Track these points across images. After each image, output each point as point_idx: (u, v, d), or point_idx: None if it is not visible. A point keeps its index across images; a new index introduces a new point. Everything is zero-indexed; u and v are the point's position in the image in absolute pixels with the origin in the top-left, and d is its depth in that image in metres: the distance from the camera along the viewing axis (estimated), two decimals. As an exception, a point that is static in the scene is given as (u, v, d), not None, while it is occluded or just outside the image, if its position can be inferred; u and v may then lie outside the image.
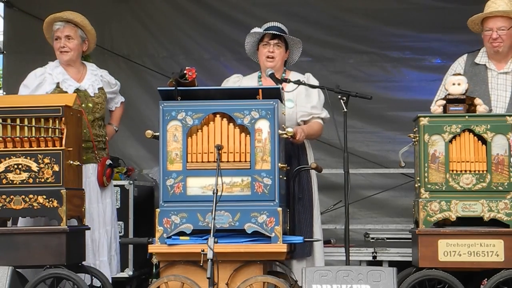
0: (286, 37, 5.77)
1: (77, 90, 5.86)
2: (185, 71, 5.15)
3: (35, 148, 5.33)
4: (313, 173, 5.75)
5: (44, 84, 5.86)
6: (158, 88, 5.23)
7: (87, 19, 6.03)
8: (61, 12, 5.98)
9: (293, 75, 5.77)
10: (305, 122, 5.76)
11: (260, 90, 5.14)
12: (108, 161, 5.89)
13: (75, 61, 5.96)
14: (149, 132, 5.14)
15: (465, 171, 5.26)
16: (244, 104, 5.08)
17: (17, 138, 5.33)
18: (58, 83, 5.86)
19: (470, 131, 5.28)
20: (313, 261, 5.65)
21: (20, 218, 5.66)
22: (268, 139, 5.05)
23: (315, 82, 5.74)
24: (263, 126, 5.06)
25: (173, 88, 5.15)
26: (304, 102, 5.73)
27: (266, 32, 5.76)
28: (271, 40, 5.75)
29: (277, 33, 5.73)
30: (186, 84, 5.17)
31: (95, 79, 5.96)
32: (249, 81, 5.86)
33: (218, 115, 5.10)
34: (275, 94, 5.15)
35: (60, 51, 5.92)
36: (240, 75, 5.94)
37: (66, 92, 5.82)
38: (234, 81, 5.86)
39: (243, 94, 5.14)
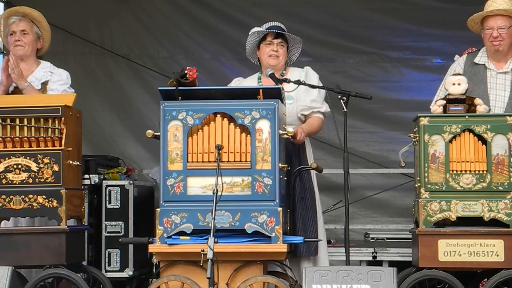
0: (287, 36, 5.77)
1: (17, 88, 5.80)
2: (186, 71, 5.15)
3: (34, 148, 5.34)
4: (313, 172, 5.75)
5: None
6: (159, 88, 5.23)
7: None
8: (19, 6, 5.96)
9: (292, 71, 5.76)
10: (305, 116, 5.75)
11: (261, 90, 5.15)
12: None
13: (28, 56, 5.90)
14: (149, 132, 5.14)
15: (465, 171, 5.26)
16: (244, 104, 5.08)
17: (17, 138, 5.34)
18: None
19: (470, 131, 5.28)
20: (316, 261, 5.64)
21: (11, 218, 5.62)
22: (269, 139, 5.05)
23: (314, 75, 5.73)
24: (264, 126, 5.06)
25: (174, 88, 5.15)
26: (303, 96, 5.72)
27: (270, 31, 5.75)
28: (274, 39, 5.74)
29: (282, 31, 5.73)
30: (187, 84, 5.17)
31: (43, 74, 5.88)
32: (250, 82, 5.85)
33: (218, 115, 5.10)
34: (275, 94, 5.15)
35: (15, 45, 5.86)
36: (241, 78, 5.93)
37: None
38: (236, 85, 5.85)
39: (244, 94, 5.14)
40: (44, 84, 5.86)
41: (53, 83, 5.88)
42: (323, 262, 5.64)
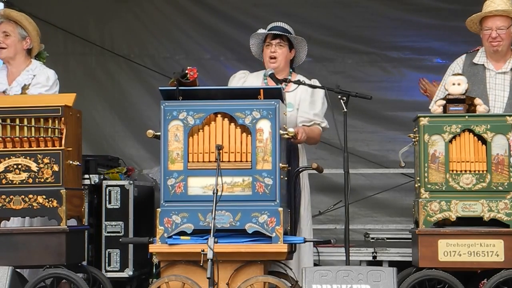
0: (289, 36, 5.77)
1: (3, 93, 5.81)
2: (186, 71, 5.16)
3: (34, 148, 5.34)
4: (304, 173, 5.74)
5: None
6: (160, 88, 5.24)
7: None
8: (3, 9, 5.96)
9: (299, 78, 5.74)
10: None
11: (262, 90, 5.15)
12: None
13: (13, 58, 5.90)
14: (150, 132, 5.15)
15: (465, 171, 5.26)
16: (245, 104, 5.08)
17: (17, 138, 5.34)
18: None
19: (470, 131, 5.28)
20: (298, 262, 5.60)
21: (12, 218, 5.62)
22: (269, 139, 5.06)
23: (321, 89, 5.70)
24: (265, 126, 5.06)
25: (175, 88, 5.15)
26: (307, 109, 5.73)
27: (267, 32, 5.76)
28: (272, 40, 5.75)
29: (278, 32, 5.73)
30: (188, 84, 5.17)
31: (26, 77, 5.86)
32: (255, 78, 5.85)
33: (219, 115, 5.10)
34: (276, 94, 5.15)
35: None
36: (246, 71, 5.92)
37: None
38: (240, 77, 5.85)
39: (245, 94, 5.15)
40: (24, 89, 5.85)
41: (32, 87, 5.86)
42: (306, 262, 5.59)
